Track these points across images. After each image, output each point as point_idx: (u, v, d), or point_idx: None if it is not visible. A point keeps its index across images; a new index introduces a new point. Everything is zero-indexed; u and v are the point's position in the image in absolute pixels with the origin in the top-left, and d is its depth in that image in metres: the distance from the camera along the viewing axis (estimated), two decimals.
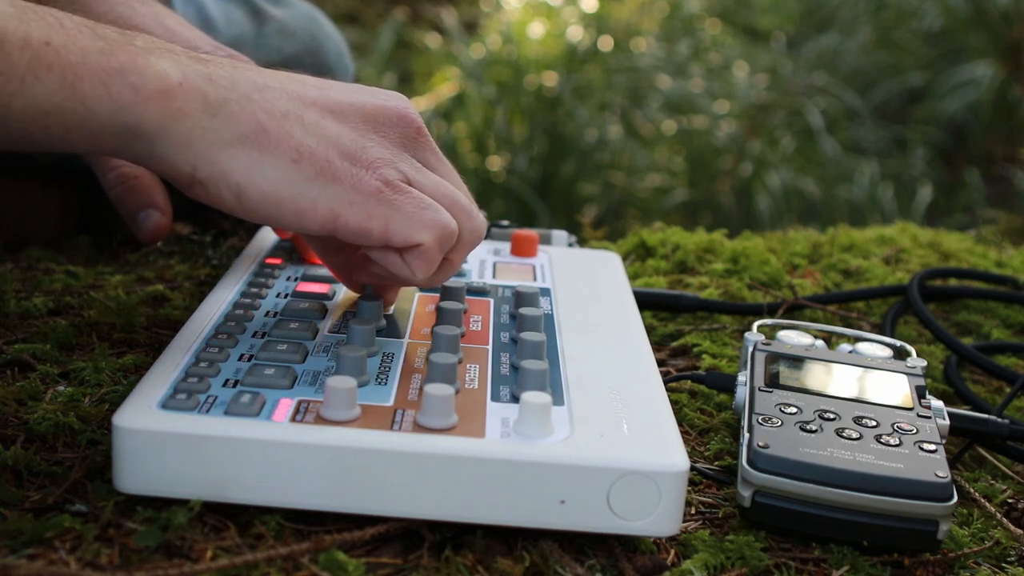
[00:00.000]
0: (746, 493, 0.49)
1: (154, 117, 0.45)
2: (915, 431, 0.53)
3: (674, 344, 0.75)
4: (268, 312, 0.58)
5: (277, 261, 0.67)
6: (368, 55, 3.27)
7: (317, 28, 0.97)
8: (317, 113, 0.50)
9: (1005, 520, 0.54)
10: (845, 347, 0.64)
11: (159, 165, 0.48)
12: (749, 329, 0.66)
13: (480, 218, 0.54)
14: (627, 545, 0.48)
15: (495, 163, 2.98)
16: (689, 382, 0.66)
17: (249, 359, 0.51)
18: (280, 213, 0.48)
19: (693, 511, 0.52)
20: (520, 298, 0.62)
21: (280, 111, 0.48)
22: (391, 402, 0.48)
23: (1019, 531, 0.53)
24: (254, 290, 0.61)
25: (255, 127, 0.47)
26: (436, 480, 0.44)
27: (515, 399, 0.49)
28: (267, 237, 0.71)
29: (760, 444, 0.50)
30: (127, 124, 0.45)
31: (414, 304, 0.61)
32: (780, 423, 0.52)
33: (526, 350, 0.53)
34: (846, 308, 0.84)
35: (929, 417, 0.55)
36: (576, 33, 3.33)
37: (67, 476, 0.48)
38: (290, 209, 0.48)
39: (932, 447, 0.51)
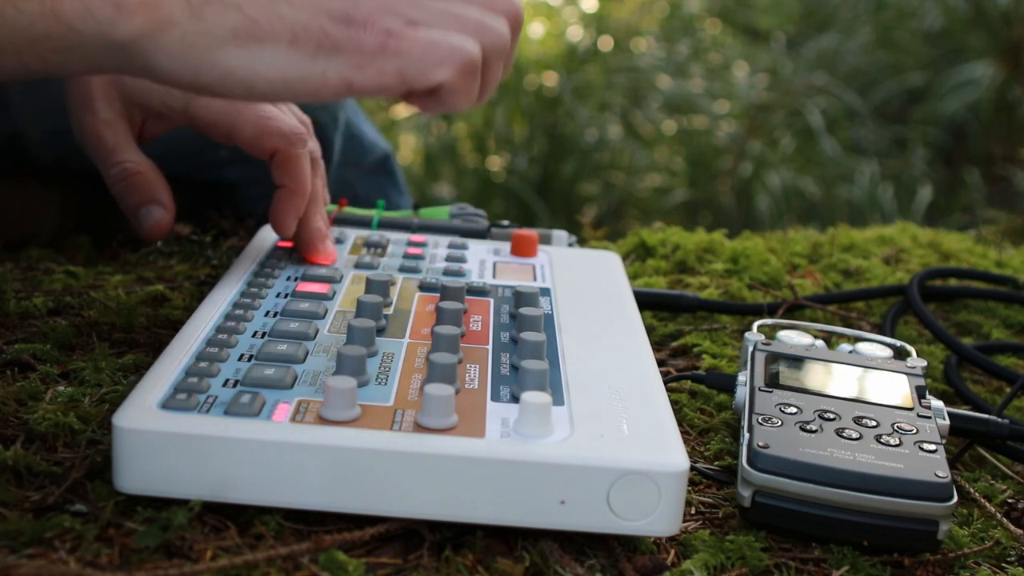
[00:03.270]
0: (746, 493, 0.49)
1: (142, 30, 0.45)
2: (915, 431, 0.53)
3: (674, 344, 0.75)
4: (268, 312, 0.58)
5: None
6: None
7: None
8: None
9: (1005, 520, 0.54)
10: (845, 347, 0.64)
11: (161, 77, 0.47)
12: (749, 329, 0.66)
13: (498, 24, 0.52)
14: (627, 545, 0.47)
15: (495, 163, 2.98)
16: (689, 382, 0.66)
17: (249, 359, 0.51)
18: (295, 95, 0.48)
19: (693, 511, 0.52)
20: (520, 298, 0.62)
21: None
22: (391, 402, 0.48)
23: (1019, 531, 0.53)
24: (254, 290, 0.61)
25: (243, 20, 0.47)
26: (436, 480, 0.44)
27: (515, 399, 0.49)
28: (267, 237, 0.71)
29: (760, 444, 0.50)
30: (117, 41, 0.45)
31: (414, 304, 0.61)
32: (780, 423, 0.52)
33: (526, 350, 0.53)
34: (846, 308, 0.84)
35: (929, 417, 0.55)
36: (576, 33, 3.33)
37: (67, 476, 0.48)
38: (303, 89, 0.48)
39: (932, 447, 0.51)
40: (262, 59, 0.47)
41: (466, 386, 0.51)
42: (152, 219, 0.65)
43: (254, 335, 0.54)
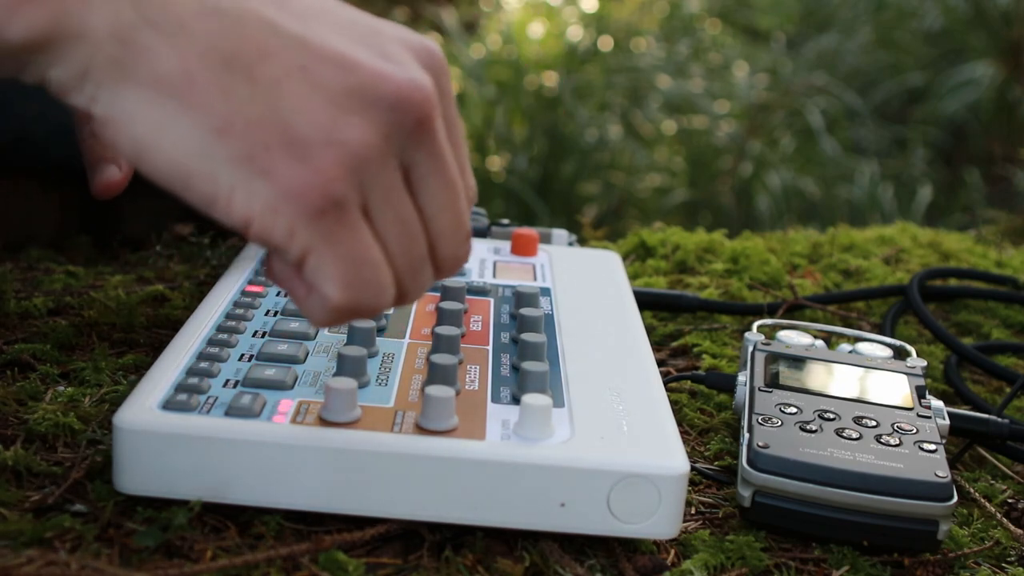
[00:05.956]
0: (746, 493, 0.49)
1: (36, 32, 0.35)
2: (915, 431, 0.53)
3: (674, 344, 0.75)
4: (268, 311, 0.58)
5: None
6: None
7: None
8: (280, 67, 0.37)
9: (1005, 520, 0.54)
10: (845, 347, 0.64)
11: (55, 90, 0.37)
12: (749, 329, 0.66)
13: (426, 275, 0.42)
14: (627, 545, 0.47)
15: (495, 163, 2.98)
16: (689, 382, 0.66)
17: (249, 359, 0.51)
18: (186, 190, 0.37)
19: (693, 511, 0.52)
20: (520, 298, 0.62)
21: (223, 55, 0.36)
22: (391, 403, 0.48)
23: (1019, 531, 0.53)
24: (254, 289, 0.61)
25: (180, 72, 0.36)
26: (436, 482, 0.44)
27: (516, 401, 0.49)
28: None
29: (760, 444, 0.50)
30: (11, 40, 0.36)
31: (414, 304, 0.61)
32: (780, 423, 0.52)
33: (527, 351, 0.53)
34: (846, 308, 0.84)
35: (929, 417, 0.55)
36: (576, 33, 3.33)
37: (67, 476, 0.48)
38: (199, 191, 0.37)
39: (932, 447, 0.51)
40: (174, 128, 0.36)
41: (466, 387, 0.50)
42: (106, 176, 0.63)
43: (254, 335, 0.54)
